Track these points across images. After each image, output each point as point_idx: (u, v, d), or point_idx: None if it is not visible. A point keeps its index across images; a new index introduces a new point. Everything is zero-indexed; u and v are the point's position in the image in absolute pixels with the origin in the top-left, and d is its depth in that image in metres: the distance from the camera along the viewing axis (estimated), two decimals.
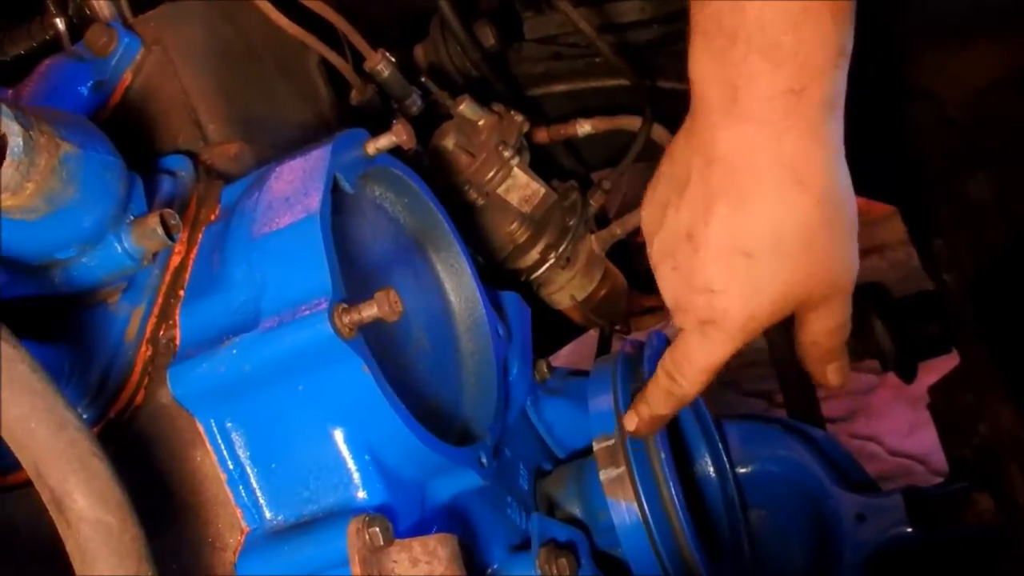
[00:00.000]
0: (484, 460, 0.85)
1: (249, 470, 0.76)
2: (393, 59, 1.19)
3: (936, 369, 1.22)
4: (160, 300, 0.83)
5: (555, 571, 0.85)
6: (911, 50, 1.18)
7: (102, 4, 1.02)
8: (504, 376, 0.99)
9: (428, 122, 1.27)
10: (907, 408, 2.13)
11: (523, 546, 0.90)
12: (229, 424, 0.76)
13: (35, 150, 0.69)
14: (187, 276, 0.84)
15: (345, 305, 0.72)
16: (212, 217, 0.89)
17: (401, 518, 0.76)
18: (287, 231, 0.77)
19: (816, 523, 1.16)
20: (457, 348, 0.99)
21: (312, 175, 0.80)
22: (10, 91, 0.94)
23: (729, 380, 2.43)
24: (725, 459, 1.15)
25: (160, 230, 0.79)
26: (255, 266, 0.77)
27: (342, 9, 1.15)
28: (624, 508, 0.93)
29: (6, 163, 0.67)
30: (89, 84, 0.94)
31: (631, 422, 0.93)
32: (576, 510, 1.02)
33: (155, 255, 0.83)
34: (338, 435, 0.75)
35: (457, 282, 1.01)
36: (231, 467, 0.76)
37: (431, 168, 1.22)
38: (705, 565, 0.95)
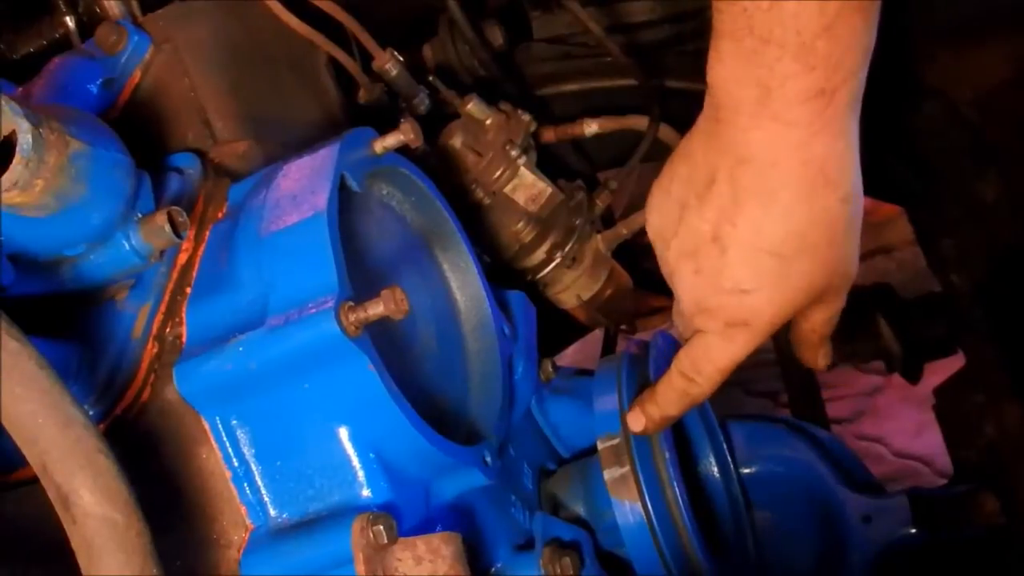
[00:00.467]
0: (488, 459, 0.85)
1: (254, 468, 0.76)
2: (401, 58, 1.19)
3: (941, 370, 1.22)
4: (167, 298, 0.83)
5: (559, 570, 0.85)
6: (922, 50, 1.18)
7: (112, 3, 1.02)
8: (509, 375, 0.99)
9: (436, 121, 1.27)
10: (913, 409, 2.12)
11: (527, 545, 0.90)
12: (234, 422, 0.76)
13: (44, 147, 0.69)
14: (194, 274, 0.84)
15: (351, 303, 0.72)
16: (220, 215, 0.89)
17: (405, 517, 0.76)
18: (294, 229, 0.77)
19: (822, 524, 1.15)
20: (463, 347, 0.99)
21: (320, 173, 0.80)
22: (20, 89, 0.94)
23: (734, 380, 2.42)
24: (729, 459, 1.15)
25: (168, 228, 0.80)
26: (262, 264, 0.78)
27: (351, 8, 1.15)
28: (628, 508, 0.93)
29: (16, 160, 0.67)
30: (98, 82, 0.95)
31: (637, 422, 0.93)
32: (580, 510, 1.02)
33: (163, 253, 0.84)
34: (343, 433, 0.75)
35: (463, 281, 1.01)
36: (236, 464, 0.76)
37: (438, 167, 1.22)
38: (709, 565, 0.95)
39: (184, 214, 0.82)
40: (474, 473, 0.83)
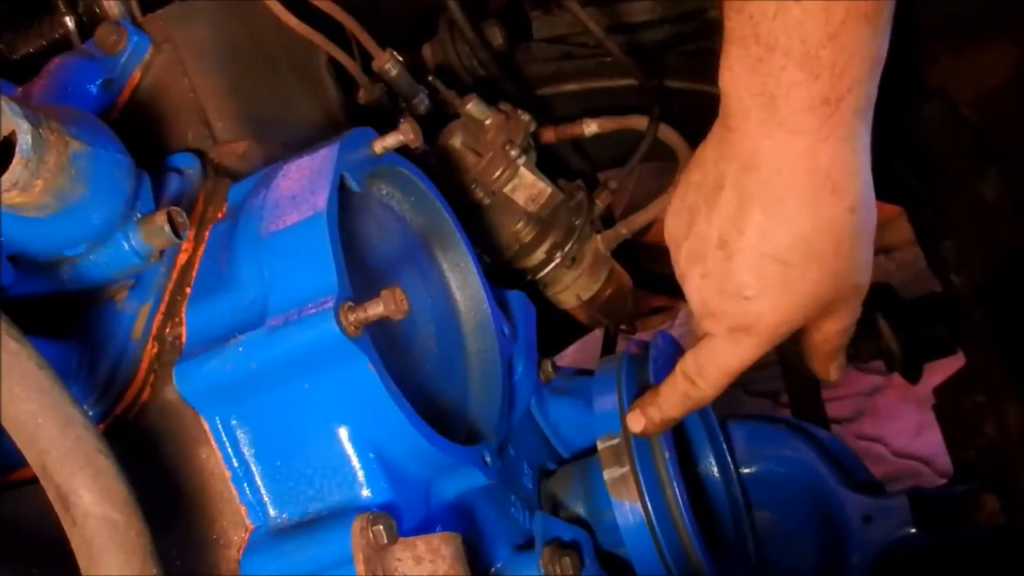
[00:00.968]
0: (488, 459, 0.85)
1: (254, 468, 0.76)
2: (401, 58, 1.19)
3: (942, 370, 1.22)
4: (167, 298, 0.83)
5: (558, 570, 0.85)
6: (924, 50, 1.18)
7: (111, 3, 1.02)
8: (509, 375, 0.99)
9: (436, 121, 1.27)
10: (913, 409, 2.12)
11: (527, 545, 0.90)
12: (234, 422, 0.76)
13: (44, 148, 0.69)
14: (194, 274, 0.84)
15: (351, 303, 0.72)
16: (219, 215, 0.89)
17: (405, 517, 0.76)
18: (294, 229, 0.77)
19: (822, 524, 1.15)
20: (462, 347, 0.99)
21: (319, 173, 0.80)
22: (20, 89, 0.94)
23: (735, 380, 2.42)
24: (730, 459, 1.15)
25: (167, 228, 0.80)
26: (262, 264, 0.78)
27: (351, 8, 1.15)
28: (628, 508, 0.93)
29: (15, 161, 0.67)
30: (98, 82, 0.95)
31: (637, 423, 0.93)
32: (580, 509, 1.02)
33: (162, 253, 0.84)
34: (343, 433, 0.75)
35: (463, 281, 1.01)
36: (236, 465, 0.76)
37: (438, 167, 1.22)
38: (710, 565, 0.95)
39: (184, 214, 0.82)
40: (474, 473, 0.83)
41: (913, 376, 1.28)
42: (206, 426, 0.76)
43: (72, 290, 0.82)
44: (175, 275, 0.84)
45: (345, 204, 0.83)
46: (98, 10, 1.04)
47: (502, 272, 1.27)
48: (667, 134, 1.34)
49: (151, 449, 0.79)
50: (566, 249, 1.27)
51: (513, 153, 1.22)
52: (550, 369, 1.10)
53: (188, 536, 0.77)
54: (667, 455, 0.95)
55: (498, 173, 1.22)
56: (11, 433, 0.60)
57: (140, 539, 0.60)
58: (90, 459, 0.60)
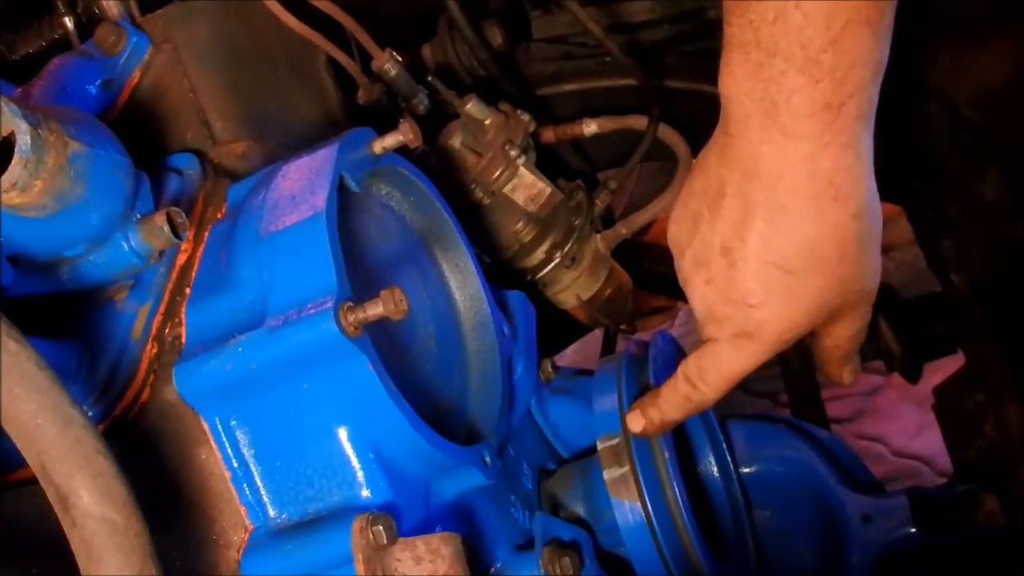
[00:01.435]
0: (488, 459, 0.85)
1: (253, 468, 0.76)
2: (400, 58, 1.19)
3: (942, 369, 1.22)
4: (166, 298, 0.83)
5: (558, 570, 0.85)
6: (923, 49, 1.18)
7: (111, 3, 1.02)
8: (509, 375, 0.99)
9: (435, 121, 1.27)
10: (913, 409, 2.12)
11: (527, 545, 0.90)
12: (234, 422, 0.76)
13: (43, 148, 0.69)
14: (193, 274, 0.84)
15: (351, 304, 0.72)
16: (219, 215, 0.89)
17: (405, 517, 0.76)
18: (293, 230, 0.77)
19: (822, 524, 1.15)
20: (462, 347, 0.99)
21: (319, 174, 0.80)
22: (19, 89, 0.94)
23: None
24: (729, 459, 1.15)
25: (166, 228, 0.80)
26: (261, 264, 0.78)
27: (350, 8, 1.15)
28: (628, 508, 0.93)
29: (14, 161, 0.67)
30: (97, 83, 0.95)
31: (636, 423, 0.93)
32: (580, 509, 1.02)
33: (162, 253, 0.84)
34: (343, 433, 0.75)
35: (462, 281, 1.01)
36: (235, 465, 0.76)
37: (438, 167, 1.22)
38: (710, 565, 0.95)
39: (183, 215, 0.82)
40: (474, 473, 0.83)
41: (913, 376, 1.28)
42: (206, 426, 0.76)
43: (72, 290, 0.82)
44: (175, 275, 0.84)
45: (344, 204, 0.83)
46: (97, 10, 1.04)
47: (502, 272, 1.27)
48: (667, 134, 1.34)
49: (151, 449, 0.79)
50: (566, 249, 1.27)
51: (513, 153, 1.22)
52: (550, 369, 1.10)
53: (188, 536, 0.77)
54: (667, 455, 0.95)
55: (498, 173, 1.22)
56: (10, 433, 0.60)
57: (140, 539, 0.60)
58: (89, 460, 0.60)
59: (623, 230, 1.35)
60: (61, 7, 1.06)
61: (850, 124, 0.69)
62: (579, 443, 1.11)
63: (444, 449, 0.79)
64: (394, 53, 1.19)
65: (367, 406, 0.74)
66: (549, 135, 1.37)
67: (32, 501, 0.70)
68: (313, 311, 0.72)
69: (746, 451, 1.17)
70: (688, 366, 0.87)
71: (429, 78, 1.28)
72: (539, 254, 1.27)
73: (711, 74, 1.45)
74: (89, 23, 1.05)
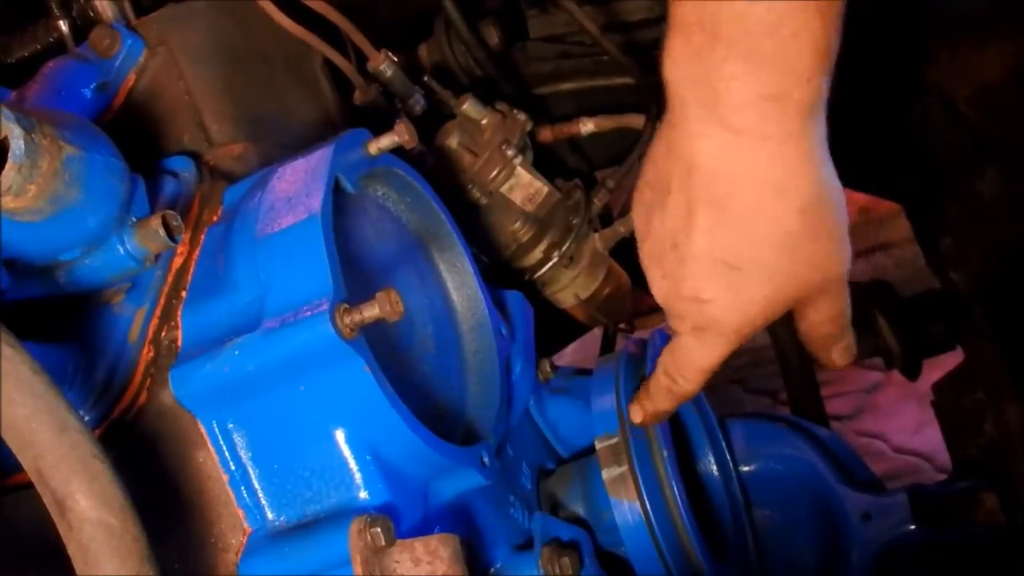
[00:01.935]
0: (486, 460, 0.85)
1: (251, 471, 0.76)
2: (396, 59, 1.19)
3: (942, 366, 1.22)
4: (163, 301, 0.83)
5: (558, 571, 0.85)
6: (922, 47, 1.18)
7: (105, 5, 1.02)
8: (507, 375, 0.99)
9: (432, 121, 1.27)
10: (914, 406, 2.12)
11: (526, 545, 0.90)
12: (231, 425, 0.76)
13: (37, 152, 0.69)
14: (189, 277, 0.84)
15: (347, 305, 0.72)
16: (215, 218, 0.89)
17: (404, 518, 0.76)
18: (289, 232, 0.77)
19: (822, 522, 1.16)
20: (460, 347, 0.99)
21: (314, 176, 0.80)
22: (14, 93, 0.94)
23: (735, 378, 2.43)
24: (729, 457, 1.15)
25: (162, 232, 0.80)
26: (258, 267, 0.78)
27: (347, 9, 1.15)
28: (627, 507, 0.93)
29: (9, 166, 0.67)
30: (93, 86, 0.95)
31: (636, 414, 0.94)
32: (580, 509, 1.02)
33: (158, 256, 0.84)
34: (340, 435, 0.75)
35: (460, 281, 1.01)
36: (233, 468, 0.76)
37: (435, 168, 1.22)
38: (709, 564, 0.95)
39: (179, 218, 0.81)
40: (472, 474, 0.83)
41: (912, 373, 1.28)
42: (203, 429, 0.76)
43: (68, 294, 0.82)
44: (171, 278, 0.84)
45: (341, 206, 0.83)
46: (92, 13, 1.04)
47: (500, 272, 1.27)
48: None
49: (148, 453, 0.79)
50: (564, 248, 1.27)
51: (510, 153, 1.21)
52: (548, 369, 1.10)
53: (186, 540, 0.77)
54: (665, 454, 0.95)
55: (495, 173, 1.22)
56: (6, 438, 0.60)
57: (136, 544, 0.60)
58: (86, 464, 0.60)
59: (621, 229, 1.34)
60: (56, 10, 1.06)
61: (792, 116, 0.66)
62: (578, 442, 1.10)
63: (442, 450, 0.79)
64: (390, 54, 1.19)
65: (364, 408, 0.74)
66: (547, 134, 1.37)
67: (30, 505, 0.69)
68: (309, 313, 0.72)
69: (745, 450, 1.17)
70: (664, 361, 0.86)
71: (425, 78, 1.28)
72: (537, 253, 1.27)
73: None
74: (84, 26, 1.05)
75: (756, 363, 2.34)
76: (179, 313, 0.81)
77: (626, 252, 1.44)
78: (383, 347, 0.79)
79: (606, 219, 1.44)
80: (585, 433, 1.05)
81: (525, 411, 1.06)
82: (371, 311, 0.72)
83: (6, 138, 0.67)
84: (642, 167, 0.80)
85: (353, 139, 0.86)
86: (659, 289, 0.80)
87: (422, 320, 0.93)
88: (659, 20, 1.42)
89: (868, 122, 1.21)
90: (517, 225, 1.26)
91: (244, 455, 0.76)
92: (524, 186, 1.25)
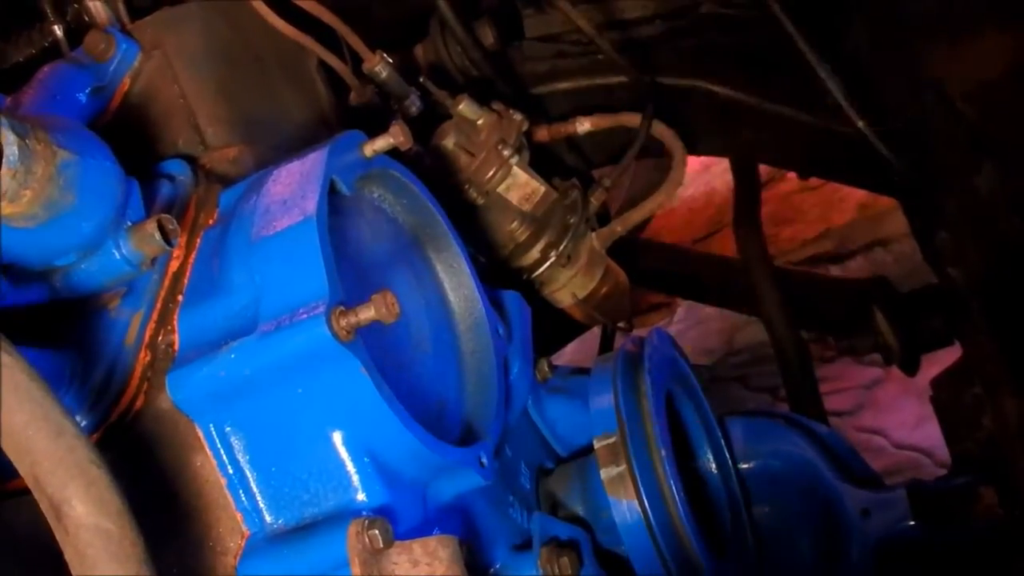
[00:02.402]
0: (484, 460, 0.85)
1: (249, 474, 0.76)
2: (391, 60, 1.19)
3: (941, 361, 1.22)
4: (159, 305, 0.83)
5: (557, 570, 0.85)
6: (920, 43, 1.18)
7: (100, 9, 1.02)
8: (505, 375, 0.99)
9: (428, 122, 1.27)
10: (913, 401, 2.12)
11: (525, 545, 0.90)
12: (228, 428, 0.76)
13: (32, 158, 0.69)
14: (186, 281, 0.84)
15: (343, 308, 0.72)
16: (211, 221, 0.89)
17: (402, 519, 0.76)
18: (284, 234, 0.77)
19: (822, 518, 1.15)
20: (457, 348, 0.99)
21: (309, 178, 0.80)
22: (9, 98, 0.94)
23: (735, 375, 2.43)
24: (728, 455, 1.15)
25: (158, 235, 0.79)
26: (253, 270, 0.78)
27: (342, 10, 1.15)
28: (625, 506, 0.93)
29: (2, 172, 0.67)
30: (88, 90, 0.94)
31: None
32: (579, 508, 1.02)
33: (154, 260, 0.83)
34: (337, 437, 0.75)
35: (456, 282, 1.01)
36: (231, 471, 0.76)
37: (431, 168, 1.22)
38: (708, 562, 0.95)
39: (174, 221, 0.81)
40: (470, 474, 0.83)
41: (911, 369, 1.28)
42: (200, 433, 0.76)
43: (65, 299, 0.82)
44: (167, 282, 0.84)
45: (336, 208, 0.83)
46: (87, 17, 1.04)
47: (498, 272, 1.27)
48: (660, 130, 1.34)
49: (146, 457, 0.79)
50: (561, 248, 1.27)
51: (506, 153, 1.21)
52: (546, 368, 1.10)
53: (185, 544, 0.77)
54: (663, 453, 0.95)
55: (491, 173, 1.22)
56: (3, 444, 0.60)
57: (134, 548, 0.60)
58: (82, 469, 0.60)
59: (618, 228, 1.34)
60: (51, 14, 1.06)
61: None
62: (577, 442, 1.10)
63: (440, 451, 0.79)
64: (385, 55, 1.18)
65: (361, 410, 0.74)
66: (543, 134, 1.37)
67: (28, 511, 0.69)
68: (305, 316, 0.72)
69: (744, 447, 1.17)
70: None
71: (421, 79, 1.27)
72: (534, 253, 1.27)
73: (704, 71, 1.46)
74: (79, 30, 1.05)
75: (756, 361, 2.34)
76: (176, 317, 0.81)
77: (625, 251, 1.44)
78: (380, 348, 0.79)
79: (603, 218, 1.44)
80: (584, 432, 1.05)
81: (523, 411, 1.06)
82: (367, 313, 0.72)
83: (0, 144, 0.67)
84: None
85: (348, 141, 0.86)
86: None
87: (419, 321, 0.93)
88: (654, 18, 1.42)
89: (865, 118, 1.21)
90: (514, 225, 1.26)
91: (242, 458, 0.76)
92: (521, 186, 1.25)
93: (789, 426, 1.20)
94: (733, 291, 1.69)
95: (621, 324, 1.50)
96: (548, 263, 1.27)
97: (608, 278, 1.34)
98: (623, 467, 0.93)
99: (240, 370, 0.73)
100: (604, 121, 1.35)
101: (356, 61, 1.21)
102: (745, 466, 1.17)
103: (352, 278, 0.82)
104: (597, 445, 0.96)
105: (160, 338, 0.82)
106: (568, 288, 1.31)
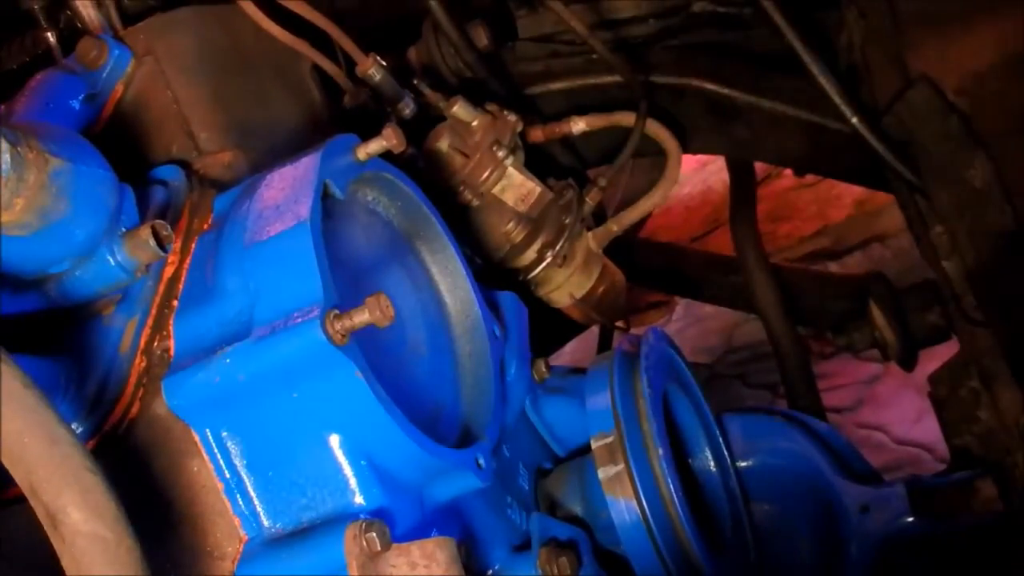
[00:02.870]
0: (482, 462, 0.85)
1: (246, 479, 0.76)
2: (384, 63, 1.19)
3: (940, 356, 1.22)
4: (154, 311, 0.83)
5: (556, 571, 0.86)
6: (911, 36, 1.18)
7: (92, 16, 1.02)
8: (502, 376, 0.99)
9: (423, 124, 1.27)
10: (913, 396, 2.12)
11: (524, 546, 0.90)
12: (225, 433, 0.76)
13: (24, 166, 0.69)
14: (181, 286, 0.84)
15: (337, 311, 0.72)
16: (205, 226, 0.89)
17: (400, 521, 0.76)
18: (277, 239, 0.77)
19: (821, 515, 1.15)
20: (454, 350, 0.99)
21: (302, 182, 0.80)
22: (2, 106, 0.94)
23: (734, 373, 2.43)
24: (726, 453, 1.14)
25: (152, 242, 0.79)
26: (248, 275, 0.78)
27: (335, 14, 1.15)
28: (623, 506, 0.93)
29: None
30: (81, 97, 0.95)
31: None
32: (578, 508, 1.02)
33: (149, 267, 0.83)
34: (334, 441, 0.75)
35: (452, 283, 1.01)
36: (228, 476, 0.76)
37: (426, 171, 1.22)
38: (707, 561, 0.95)
39: (168, 228, 0.81)
40: (468, 476, 0.83)
41: (908, 364, 1.28)
42: (196, 438, 0.76)
43: (60, 306, 0.82)
44: (162, 288, 0.84)
45: (330, 211, 0.83)
46: (79, 24, 1.04)
47: (494, 273, 1.27)
48: (655, 129, 1.34)
49: (142, 463, 0.79)
50: (557, 248, 1.27)
51: (501, 154, 1.22)
52: (543, 368, 1.10)
53: (182, 549, 0.77)
54: (661, 452, 0.95)
55: (486, 174, 1.22)
56: None
57: (130, 555, 0.60)
58: (78, 477, 0.60)
59: (614, 227, 1.34)
60: (43, 21, 1.06)
61: None
62: (576, 441, 1.10)
63: (437, 454, 0.79)
64: (378, 58, 1.18)
65: (357, 413, 0.74)
66: (538, 134, 1.37)
67: (25, 519, 0.69)
68: (300, 320, 0.72)
69: (743, 444, 1.17)
70: None
71: (415, 81, 1.28)
72: (530, 254, 1.27)
73: (698, 69, 1.45)
74: (72, 37, 1.05)
75: (755, 358, 2.34)
76: (171, 323, 0.81)
77: (623, 250, 1.44)
78: (375, 351, 0.79)
79: (599, 217, 1.44)
80: (582, 432, 1.05)
81: (521, 411, 1.06)
82: (361, 316, 0.72)
83: None
84: None
85: (341, 144, 0.86)
86: None
87: (415, 323, 0.93)
88: (647, 18, 1.42)
89: (860, 113, 1.20)
90: (510, 226, 1.26)
91: (238, 463, 0.76)
92: (516, 186, 1.25)
93: (788, 423, 1.20)
94: (731, 289, 1.68)
95: (619, 323, 1.50)
96: (544, 263, 1.27)
97: (605, 277, 1.34)
98: (621, 466, 0.93)
99: (236, 375, 0.74)
100: (599, 121, 1.35)
101: (350, 64, 1.21)
102: (744, 464, 1.16)
103: (346, 282, 0.82)
104: (595, 445, 0.96)
105: (155, 344, 0.82)
106: (565, 288, 1.31)
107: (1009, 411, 1.06)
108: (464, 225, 1.23)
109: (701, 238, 2.92)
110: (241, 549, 0.76)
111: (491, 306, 1.04)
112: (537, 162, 1.33)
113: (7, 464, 0.60)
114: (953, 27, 1.16)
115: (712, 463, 1.12)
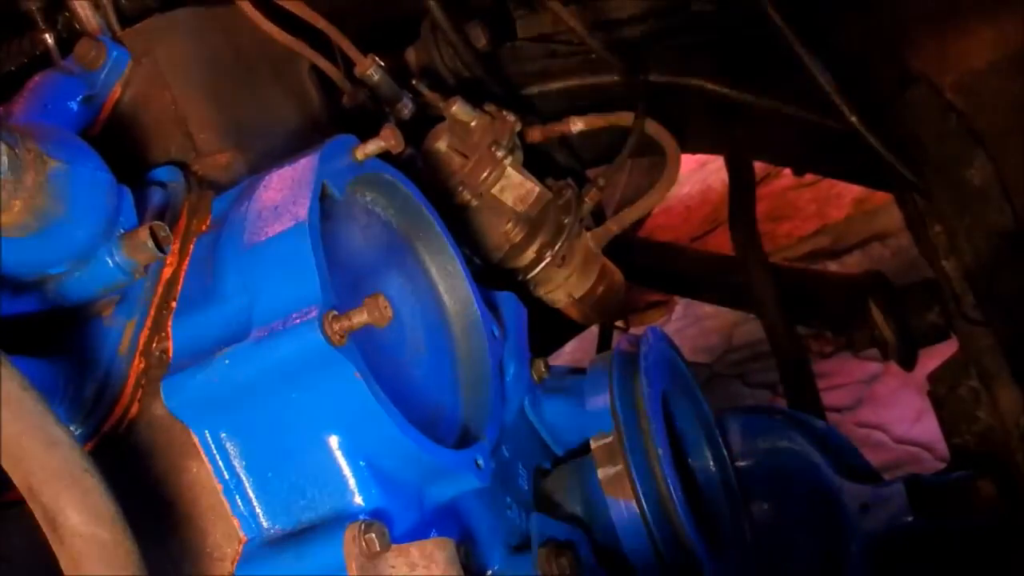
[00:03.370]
0: (481, 462, 0.85)
1: (245, 480, 0.76)
2: (383, 63, 1.19)
3: (939, 355, 1.22)
4: (152, 312, 0.83)
5: (555, 571, 0.85)
6: (909, 35, 1.18)
7: (90, 17, 1.02)
8: (501, 376, 0.99)
9: (421, 125, 1.27)
10: (913, 395, 2.12)
11: (523, 546, 0.90)
12: (224, 434, 0.76)
13: (21, 168, 0.69)
14: (179, 288, 0.84)
15: (336, 312, 0.72)
16: (204, 228, 0.89)
17: (399, 522, 0.76)
18: (276, 240, 0.77)
19: (821, 514, 1.15)
20: (452, 350, 0.99)
21: (300, 183, 0.80)
22: (0, 108, 0.94)
23: (735, 372, 2.43)
24: (725, 452, 1.14)
25: (150, 243, 0.80)
26: (246, 276, 0.78)
27: (334, 14, 1.15)
28: (623, 506, 0.93)
29: None
30: (79, 98, 0.94)
31: None
32: (577, 509, 1.02)
33: (147, 268, 0.84)
34: (333, 442, 0.75)
35: (451, 284, 1.01)
36: (227, 477, 0.76)
37: (425, 171, 1.22)
38: (707, 560, 0.95)
39: (167, 229, 0.81)
40: (467, 476, 0.83)
41: (908, 363, 1.28)
42: (196, 439, 0.76)
43: (58, 308, 0.82)
44: (160, 289, 0.84)
45: (329, 212, 0.83)
46: (77, 25, 1.04)
47: (493, 273, 1.27)
48: (654, 129, 1.34)
49: (141, 464, 0.79)
50: (556, 248, 1.27)
51: (499, 154, 1.22)
52: (543, 368, 1.10)
53: (182, 550, 0.77)
54: (660, 452, 0.95)
55: (485, 174, 1.22)
56: None
57: (129, 557, 0.60)
58: (76, 479, 0.60)
59: (613, 227, 1.34)
60: (41, 23, 1.06)
61: None
62: (575, 442, 1.10)
63: (435, 454, 0.79)
64: (376, 58, 1.19)
65: (356, 414, 0.74)
66: (536, 134, 1.37)
67: (25, 521, 0.69)
68: (298, 321, 0.72)
69: (742, 444, 1.17)
70: None
71: (413, 82, 1.28)
72: (529, 254, 1.27)
73: (697, 69, 1.45)
74: (70, 38, 1.05)
75: (755, 357, 2.34)
76: (169, 324, 0.81)
77: (622, 249, 1.44)
78: (374, 352, 0.79)
79: (598, 217, 1.44)
80: (581, 432, 1.05)
81: (520, 412, 1.06)
82: (360, 317, 0.72)
83: None
84: None
85: (339, 145, 0.86)
86: None
87: (413, 324, 0.93)
88: (645, 17, 1.42)
89: (858, 112, 1.21)
90: (509, 226, 1.26)
91: (238, 464, 0.76)
92: (515, 186, 1.25)
93: (787, 422, 1.20)
94: (730, 288, 1.68)
95: (618, 323, 1.50)
96: (543, 263, 1.27)
97: (604, 277, 1.34)
98: (620, 467, 0.93)
99: (234, 376, 0.74)
100: (597, 121, 1.35)
101: (348, 65, 1.21)
102: (743, 463, 1.16)
103: (345, 283, 0.82)
104: (594, 445, 0.96)
105: (154, 345, 0.82)
106: (564, 288, 1.31)
107: (1009, 410, 1.06)
108: (463, 225, 1.23)
109: (700, 238, 2.92)
110: (240, 550, 0.76)
111: (490, 306, 1.04)
112: (536, 162, 1.33)
113: (6, 466, 0.60)
114: (952, 26, 1.16)
115: (712, 463, 1.12)
